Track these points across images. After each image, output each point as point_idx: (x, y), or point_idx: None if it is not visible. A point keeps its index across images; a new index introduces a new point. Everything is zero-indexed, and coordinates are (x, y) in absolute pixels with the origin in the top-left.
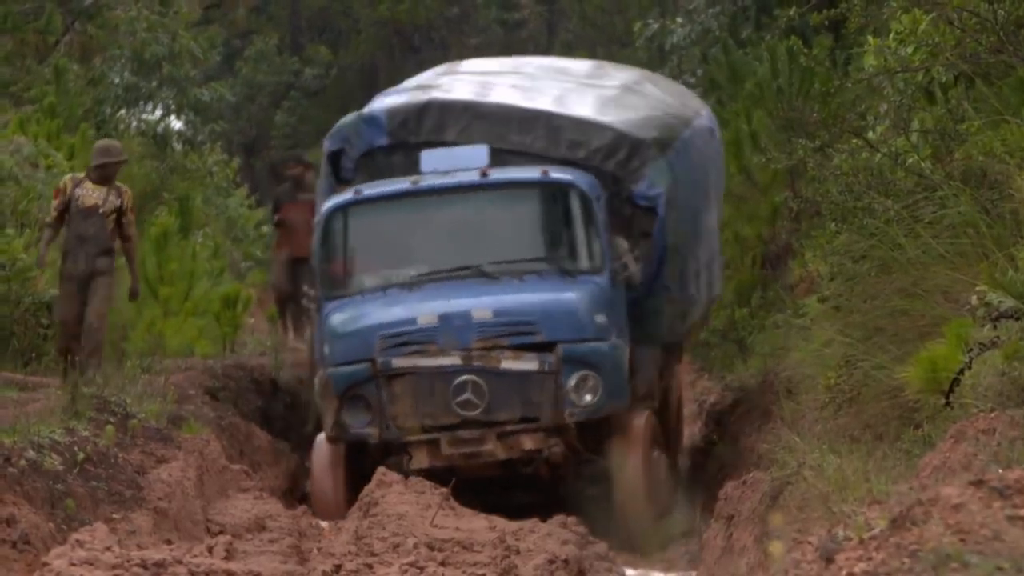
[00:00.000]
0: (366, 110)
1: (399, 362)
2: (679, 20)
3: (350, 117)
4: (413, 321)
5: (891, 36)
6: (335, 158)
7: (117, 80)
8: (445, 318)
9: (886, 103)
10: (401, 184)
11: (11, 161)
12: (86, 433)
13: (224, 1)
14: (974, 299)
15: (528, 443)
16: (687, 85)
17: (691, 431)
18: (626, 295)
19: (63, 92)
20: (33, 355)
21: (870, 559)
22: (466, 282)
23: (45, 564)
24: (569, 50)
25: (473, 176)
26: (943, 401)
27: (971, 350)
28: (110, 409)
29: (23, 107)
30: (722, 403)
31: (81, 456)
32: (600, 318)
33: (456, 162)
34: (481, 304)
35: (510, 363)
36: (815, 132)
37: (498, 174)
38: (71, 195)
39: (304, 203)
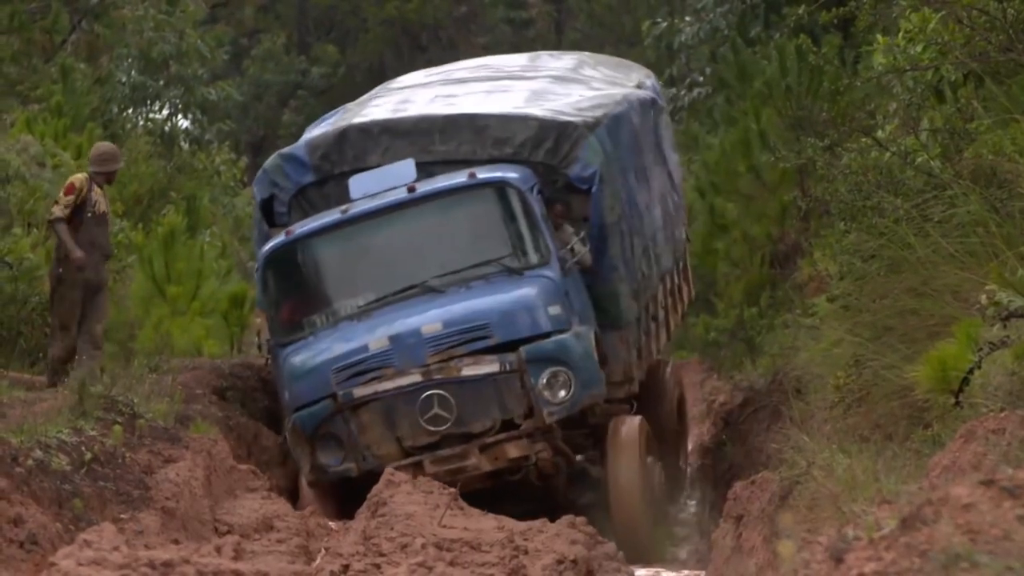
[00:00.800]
0: (286, 149)
1: (359, 391)
2: (688, 19)
3: (271, 160)
4: (364, 348)
5: (900, 35)
6: (267, 204)
7: (124, 79)
8: (396, 339)
9: (895, 102)
10: (331, 216)
11: (18, 160)
12: (93, 433)
13: (231, 0)
14: (984, 298)
15: (513, 451)
16: (695, 84)
17: (700, 431)
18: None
19: (70, 91)
20: (40, 355)
21: (880, 559)
22: (414, 300)
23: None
24: (577, 49)
25: (401, 193)
26: (953, 401)
27: (981, 349)
28: (117, 409)
29: (30, 106)
30: (731, 403)
31: (88, 456)
32: (555, 310)
33: (384, 182)
34: (429, 318)
35: (470, 369)
36: (824, 131)
37: (425, 186)
38: (86, 197)
39: None
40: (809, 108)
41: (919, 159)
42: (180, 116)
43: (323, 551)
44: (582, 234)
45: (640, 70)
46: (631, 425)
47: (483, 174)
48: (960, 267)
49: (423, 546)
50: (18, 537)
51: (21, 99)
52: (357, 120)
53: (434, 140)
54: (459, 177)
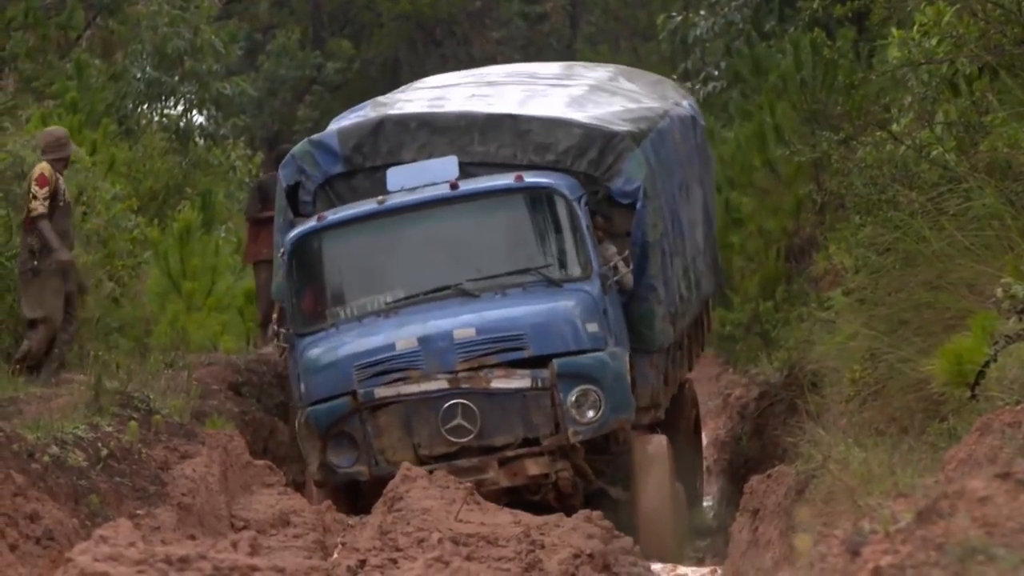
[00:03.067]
0: (316, 136)
1: (381, 392)
2: (702, 13)
3: (300, 146)
4: (391, 347)
5: (915, 28)
6: (292, 191)
7: (139, 75)
8: (425, 340)
9: (910, 95)
10: (367, 205)
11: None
12: (110, 429)
13: None
14: (999, 291)
15: (533, 468)
16: (710, 78)
17: (716, 425)
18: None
19: (85, 87)
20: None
21: (896, 552)
22: (446, 302)
23: (69, 560)
24: (592, 44)
25: (443, 189)
26: (968, 394)
27: (996, 343)
28: (133, 405)
29: (45, 102)
30: (747, 397)
31: (105, 452)
32: (592, 327)
33: (424, 177)
34: (462, 322)
35: (501, 382)
36: (839, 124)
37: (469, 184)
38: (57, 187)
39: None
40: (824, 102)
41: (934, 152)
42: (195, 112)
43: (340, 546)
44: (625, 253)
45: (677, 89)
46: (658, 444)
47: (531, 178)
48: (975, 260)
49: (440, 541)
50: (35, 533)
51: (36, 95)
52: (393, 112)
53: (473, 140)
54: (506, 178)
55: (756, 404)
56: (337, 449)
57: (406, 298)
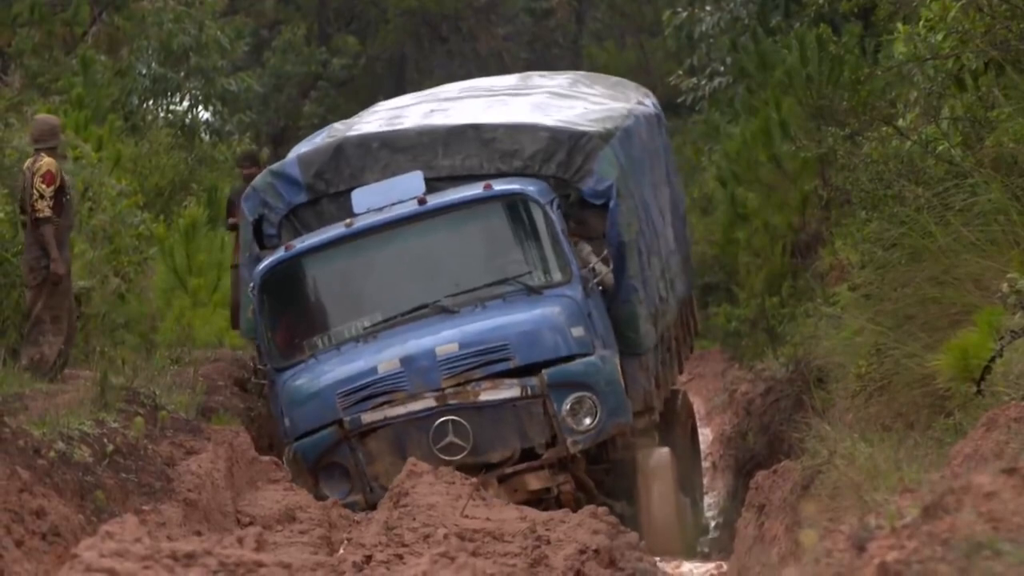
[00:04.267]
0: (277, 165)
1: (368, 417)
2: (708, 8)
3: (261, 178)
4: (373, 371)
5: (921, 23)
6: (257, 225)
7: (144, 71)
8: (407, 361)
9: (916, 91)
10: (335, 230)
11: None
12: (116, 425)
13: None
14: (1005, 287)
15: (534, 483)
16: (716, 73)
17: (721, 420)
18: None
19: (91, 83)
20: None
21: (902, 548)
22: (425, 321)
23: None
24: (597, 39)
25: (411, 206)
26: (974, 389)
27: (1002, 338)
28: (139, 401)
29: (51, 98)
30: (753, 392)
31: (111, 448)
32: (579, 331)
33: (391, 195)
34: (444, 338)
35: (489, 394)
36: (845, 120)
37: (438, 198)
38: (64, 185)
39: None
40: (830, 97)
41: (940, 148)
42: (200, 108)
43: (345, 542)
44: (604, 253)
45: (638, 89)
46: (661, 456)
47: (500, 186)
48: (981, 255)
49: (445, 536)
50: (41, 529)
51: (42, 91)
52: (352, 134)
53: (437, 154)
54: (474, 189)
55: (762, 400)
56: (329, 482)
57: (384, 321)
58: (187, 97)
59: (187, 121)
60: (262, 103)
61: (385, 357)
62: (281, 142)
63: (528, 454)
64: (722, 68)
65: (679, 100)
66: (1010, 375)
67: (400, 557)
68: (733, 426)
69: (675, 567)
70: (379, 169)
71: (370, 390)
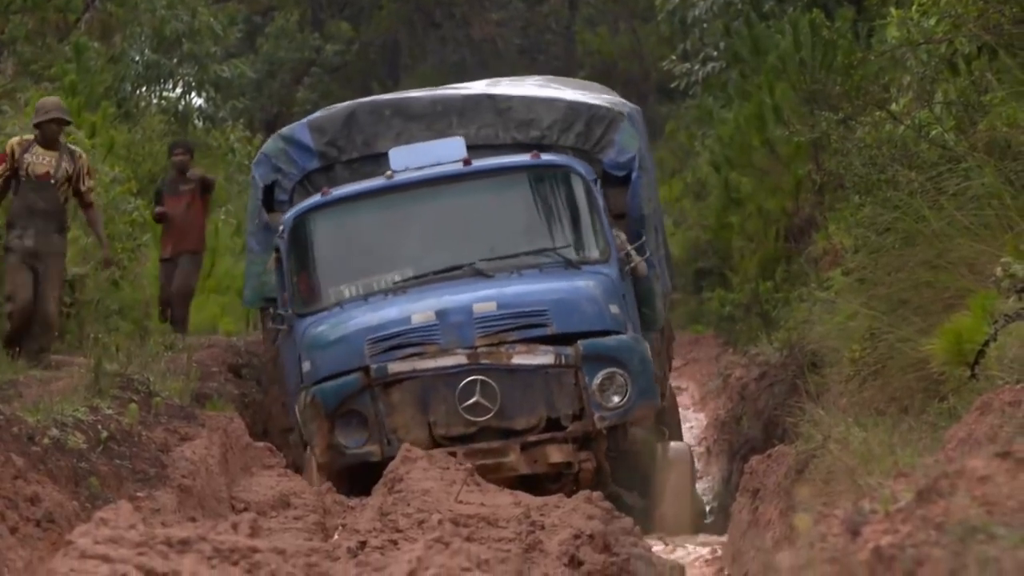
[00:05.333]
0: (287, 130)
1: (395, 367)
2: None
3: (272, 144)
4: (407, 320)
5: (913, 7)
6: (268, 191)
7: (137, 58)
8: (443, 314)
9: (909, 75)
10: (375, 180)
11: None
12: (110, 411)
13: None
14: (999, 270)
15: (556, 455)
16: (709, 58)
17: (716, 405)
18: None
19: (83, 70)
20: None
21: (896, 532)
22: (459, 281)
23: (69, 542)
24: (591, 25)
25: (455, 166)
26: (968, 373)
27: (996, 322)
28: (133, 387)
29: (43, 85)
30: (747, 377)
31: (105, 434)
32: (615, 309)
33: (430, 157)
34: (482, 296)
35: (523, 358)
36: (838, 105)
37: (483, 162)
38: (19, 160)
39: (187, 194)
40: (823, 82)
41: (933, 132)
42: (194, 94)
43: (340, 528)
44: (641, 241)
45: (611, 91)
46: (680, 450)
47: (548, 156)
48: (975, 239)
49: (440, 522)
50: (35, 515)
51: (35, 78)
52: (365, 100)
53: (451, 123)
54: (522, 156)
55: (756, 384)
56: (346, 429)
57: (415, 277)
58: (180, 84)
59: (180, 108)
60: (255, 89)
61: (420, 308)
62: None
63: (553, 425)
64: (715, 53)
65: (672, 85)
66: (1004, 359)
67: (394, 543)
68: (727, 411)
69: (670, 551)
70: (392, 137)
71: (401, 339)
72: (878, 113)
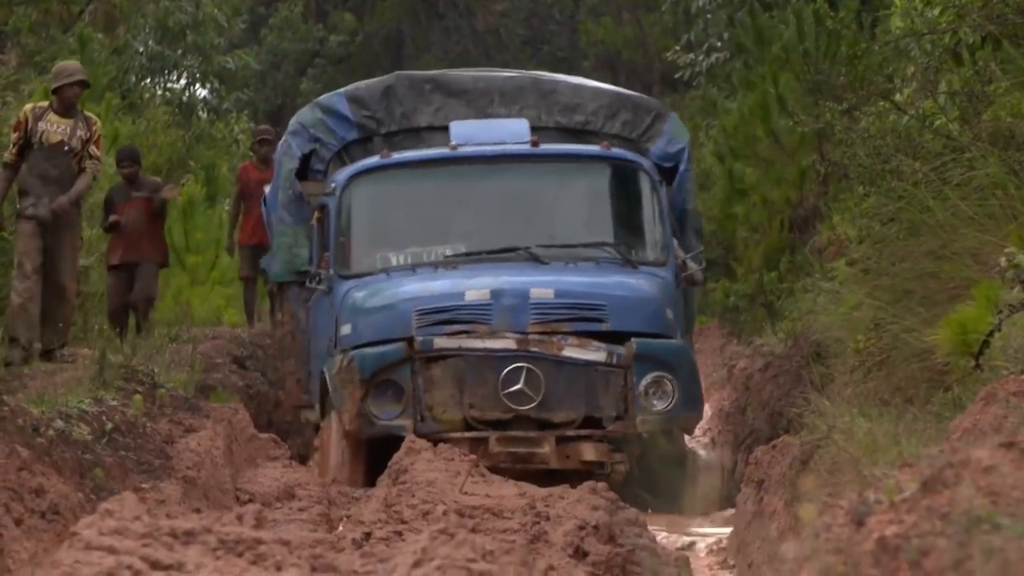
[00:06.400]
0: (324, 99)
1: (442, 343)
2: None
3: (310, 114)
4: (460, 296)
5: None
6: (304, 161)
7: (141, 49)
8: (498, 294)
9: (913, 65)
10: (438, 149)
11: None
12: (114, 403)
13: None
14: (1003, 261)
15: (590, 453)
16: (713, 49)
17: (720, 396)
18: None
19: (88, 61)
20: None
21: (901, 522)
22: (511, 264)
23: (74, 534)
24: (595, 15)
25: (524, 147)
26: (973, 363)
27: (1000, 312)
28: (138, 379)
29: (47, 76)
30: (751, 368)
31: (110, 426)
32: (670, 313)
33: (493, 135)
34: (540, 282)
35: (574, 351)
36: (842, 95)
37: (553, 146)
38: (32, 129)
39: (139, 201)
40: (827, 72)
41: (937, 122)
42: (198, 85)
43: (344, 519)
44: (698, 249)
45: None
46: (711, 461)
47: (620, 151)
48: (979, 230)
49: (445, 513)
50: (40, 507)
51: (39, 70)
52: (404, 73)
53: (493, 101)
54: (592, 147)
55: (760, 375)
56: (380, 399)
57: (467, 254)
58: (184, 75)
59: (184, 99)
60: (259, 81)
61: (475, 285)
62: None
63: (590, 423)
64: (719, 43)
65: (676, 76)
66: (1008, 349)
67: (399, 534)
68: (732, 401)
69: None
70: (431, 112)
71: (451, 315)
72: (882, 103)
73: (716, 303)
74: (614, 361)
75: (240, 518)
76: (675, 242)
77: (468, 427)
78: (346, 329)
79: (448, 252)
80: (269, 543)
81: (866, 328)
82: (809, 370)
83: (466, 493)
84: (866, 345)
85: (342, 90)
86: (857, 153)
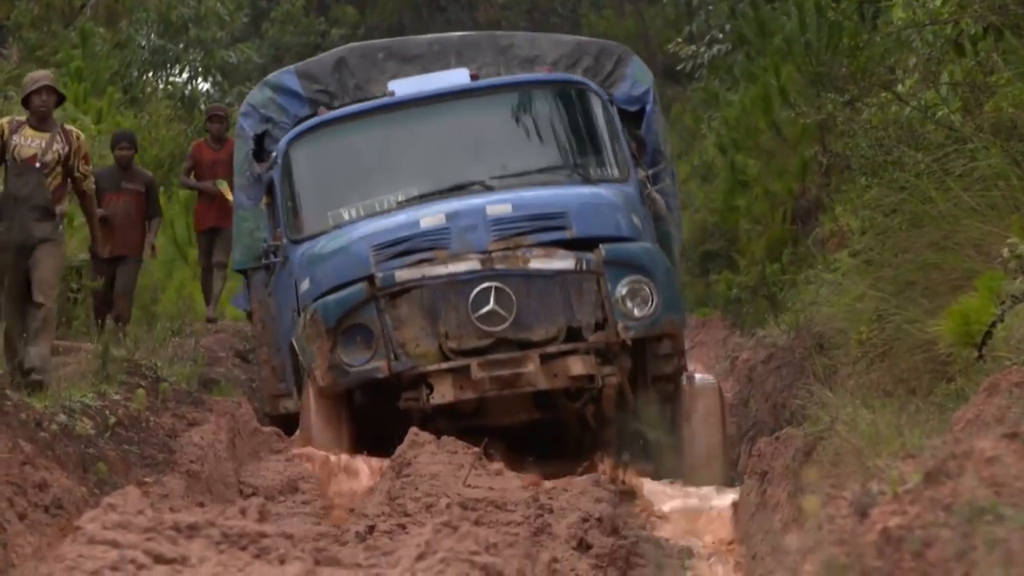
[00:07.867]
0: (273, 77)
1: (403, 274)
2: None
3: (260, 94)
4: (415, 224)
5: None
6: (258, 141)
7: (143, 43)
8: (454, 216)
9: (915, 56)
10: (377, 99)
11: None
12: (117, 397)
13: None
14: (1005, 251)
15: (577, 367)
16: (715, 41)
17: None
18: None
19: (90, 56)
20: (63, 319)
21: (904, 513)
22: (470, 193)
23: (78, 528)
24: (596, 7)
25: (463, 80)
26: (976, 354)
27: (1003, 303)
28: (141, 373)
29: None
30: (754, 359)
31: (112, 420)
32: (636, 219)
33: (434, 85)
34: (497, 199)
35: (540, 262)
36: (844, 86)
37: (491, 79)
38: (7, 142)
39: (130, 193)
40: (829, 64)
41: (939, 113)
42: (200, 79)
43: (348, 512)
44: (659, 167)
45: None
46: (708, 382)
47: (561, 73)
48: (982, 220)
49: (448, 506)
50: (43, 502)
51: (41, 64)
52: (356, 44)
53: (449, 63)
54: (534, 74)
55: (763, 367)
56: (350, 345)
57: (419, 196)
58: (186, 69)
59: (186, 93)
60: (261, 74)
61: (429, 212)
62: None
63: (572, 336)
64: (721, 35)
65: (678, 68)
66: (1011, 340)
67: (403, 527)
68: (735, 393)
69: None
70: (386, 80)
71: (409, 244)
72: (884, 94)
73: (719, 295)
74: (584, 267)
75: (243, 512)
76: (641, 173)
77: (445, 358)
78: (305, 285)
79: (400, 198)
80: (272, 536)
81: (869, 319)
82: (812, 361)
83: (469, 486)
84: (869, 336)
85: (291, 67)
86: (859, 144)
